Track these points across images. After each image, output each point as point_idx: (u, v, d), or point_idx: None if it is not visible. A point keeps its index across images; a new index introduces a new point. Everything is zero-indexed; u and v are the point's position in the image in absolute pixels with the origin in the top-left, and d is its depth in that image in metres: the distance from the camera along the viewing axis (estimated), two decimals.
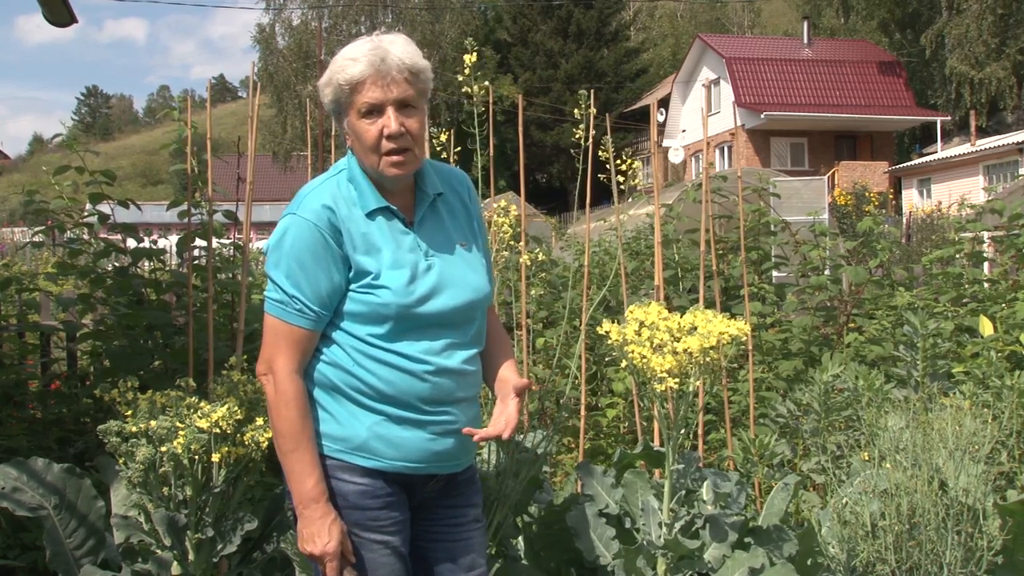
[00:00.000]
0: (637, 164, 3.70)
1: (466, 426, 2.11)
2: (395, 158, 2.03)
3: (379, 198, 2.07)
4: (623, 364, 2.32)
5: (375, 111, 2.01)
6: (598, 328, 2.35)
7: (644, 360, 2.25)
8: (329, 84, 2.05)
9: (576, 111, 3.34)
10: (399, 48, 2.02)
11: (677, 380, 2.25)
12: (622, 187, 3.65)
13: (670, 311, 2.37)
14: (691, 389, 2.32)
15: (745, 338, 2.31)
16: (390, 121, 2.00)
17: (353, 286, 2.03)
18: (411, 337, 2.03)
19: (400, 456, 2.05)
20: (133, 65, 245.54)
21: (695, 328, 2.28)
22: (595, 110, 3.38)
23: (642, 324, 2.30)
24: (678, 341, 2.25)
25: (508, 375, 2.19)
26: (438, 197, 2.17)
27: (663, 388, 2.24)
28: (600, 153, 3.54)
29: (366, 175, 2.09)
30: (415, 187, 2.15)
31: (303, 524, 2.00)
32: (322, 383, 2.06)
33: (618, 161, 3.69)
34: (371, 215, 2.06)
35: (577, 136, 3.34)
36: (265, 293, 2.08)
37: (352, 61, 2.01)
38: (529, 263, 3.74)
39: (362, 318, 2.03)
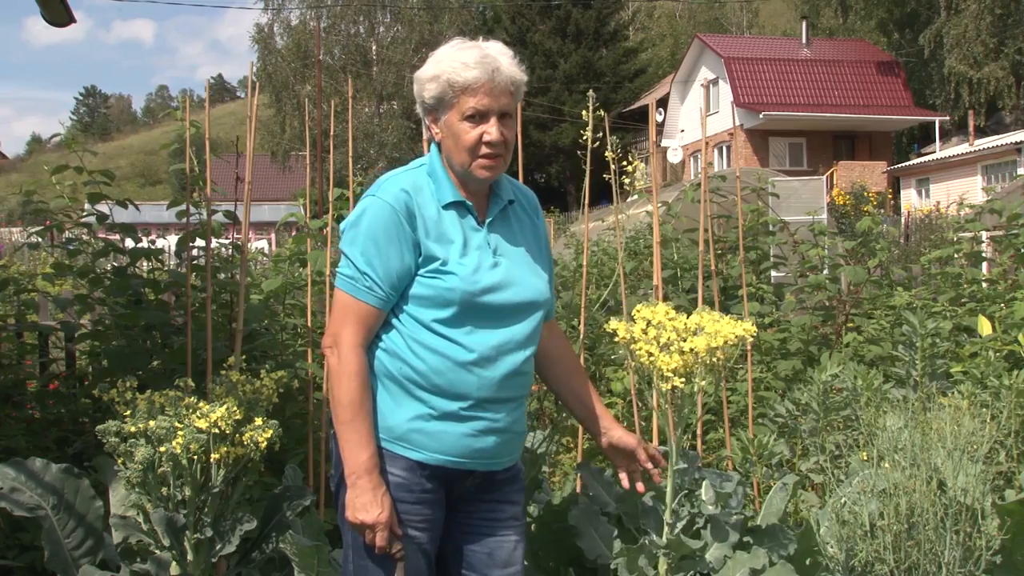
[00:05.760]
0: (641, 165, 3.70)
1: (511, 426, 2.18)
2: (488, 162, 2.13)
3: (456, 192, 2.16)
4: (628, 362, 2.33)
5: (480, 117, 2.10)
6: (605, 326, 2.37)
7: (651, 358, 2.26)
8: (436, 80, 2.12)
9: (584, 113, 3.34)
10: (507, 62, 2.13)
11: (683, 380, 2.25)
12: (626, 188, 3.65)
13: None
14: (696, 389, 2.33)
15: (751, 339, 2.31)
16: (493, 130, 2.11)
17: (421, 271, 2.10)
18: (472, 326, 2.09)
19: (439, 449, 2.10)
20: (140, 66, 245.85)
21: (702, 328, 2.28)
22: (601, 112, 3.38)
23: (649, 323, 2.30)
24: (685, 341, 2.26)
25: (648, 450, 2.40)
26: (510, 204, 2.25)
27: (668, 387, 2.25)
28: (606, 154, 3.54)
29: (447, 172, 2.17)
30: (490, 191, 2.22)
31: (356, 494, 2.04)
32: (377, 370, 2.12)
33: (623, 162, 3.69)
34: (446, 207, 2.14)
35: (584, 138, 3.35)
36: (337, 269, 2.15)
37: (464, 66, 2.09)
38: None
39: (428, 301, 2.09)
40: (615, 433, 2.38)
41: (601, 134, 3.40)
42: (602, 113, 3.38)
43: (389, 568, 2.08)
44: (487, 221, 2.18)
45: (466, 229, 2.14)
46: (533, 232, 2.30)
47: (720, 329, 2.25)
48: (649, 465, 2.37)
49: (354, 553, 2.13)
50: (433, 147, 2.21)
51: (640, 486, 2.42)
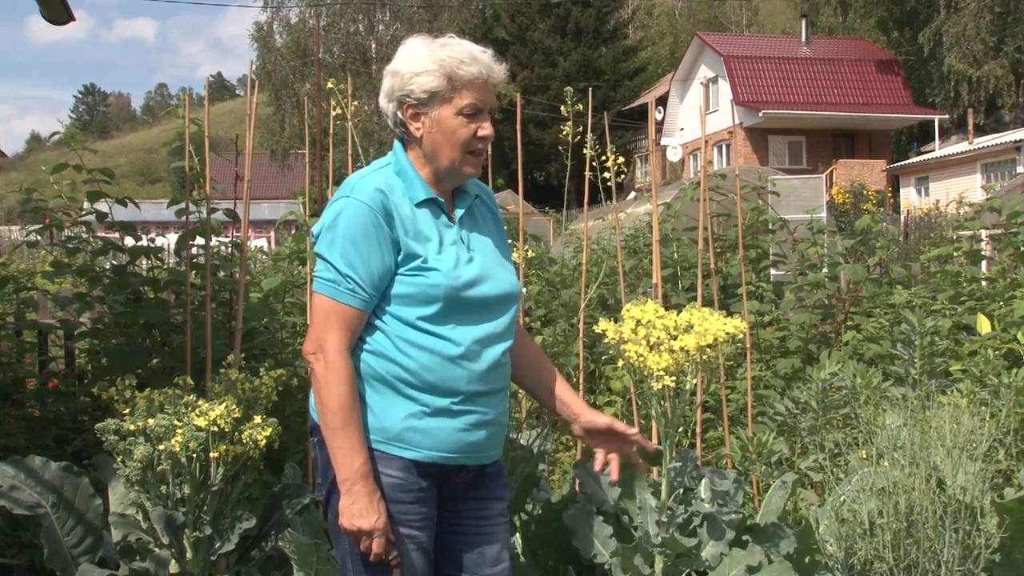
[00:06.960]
0: (620, 160, 3.69)
1: (498, 418, 2.18)
2: (477, 159, 2.16)
3: (428, 190, 2.15)
4: (620, 363, 2.33)
5: (476, 113, 2.11)
6: (595, 327, 2.36)
7: (640, 359, 2.25)
8: (432, 74, 2.09)
9: (563, 108, 3.36)
10: (491, 60, 2.15)
11: (674, 378, 2.25)
12: (609, 184, 3.65)
13: (668, 309, 2.37)
14: (688, 387, 2.32)
15: (742, 336, 2.30)
16: (488, 126, 2.13)
17: (401, 270, 2.09)
18: (455, 322, 2.09)
19: (434, 446, 2.09)
20: (141, 64, 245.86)
21: (691, 326, 2.28)
22: (582, 107, 3.39)
23: (638, 322, 2.30)
24: (675, 339, 2.25)
25: (619, 427, 2.29)
26: (475, 199, 2.26)
27: (659, 386, 2.25)
28: (583, 151, 3.55)
29: (416, 169, 2.16)
30: (456, 188, 2.23)
31: (352, 500, 2.02)
32: (364, 373, 2.10)
33: (603, 158, 3.68)
34: (419, 205, 2.13)
35: (564, 133, 3.37)
36: (315, 273, 2.12)
37: (464, 61, 2.09)
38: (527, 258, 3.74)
39: (411, 299, 2.08)
40: (586, 416, 2.30)
41: (581, 129, 3.42)
42: (580, 108, 3.40)
43: (388, 573, 2.07)
44: (457, 217, 2.19)
45: (439, 226, 2.14)
46: (496, 226, 2.31)
47: (710, 327, 2.25)
48: (632, 431, 2.27)
49: (352, 560, 2.11)
50: (397, 145, 2.19)
51: (640, 463, 2.37)
